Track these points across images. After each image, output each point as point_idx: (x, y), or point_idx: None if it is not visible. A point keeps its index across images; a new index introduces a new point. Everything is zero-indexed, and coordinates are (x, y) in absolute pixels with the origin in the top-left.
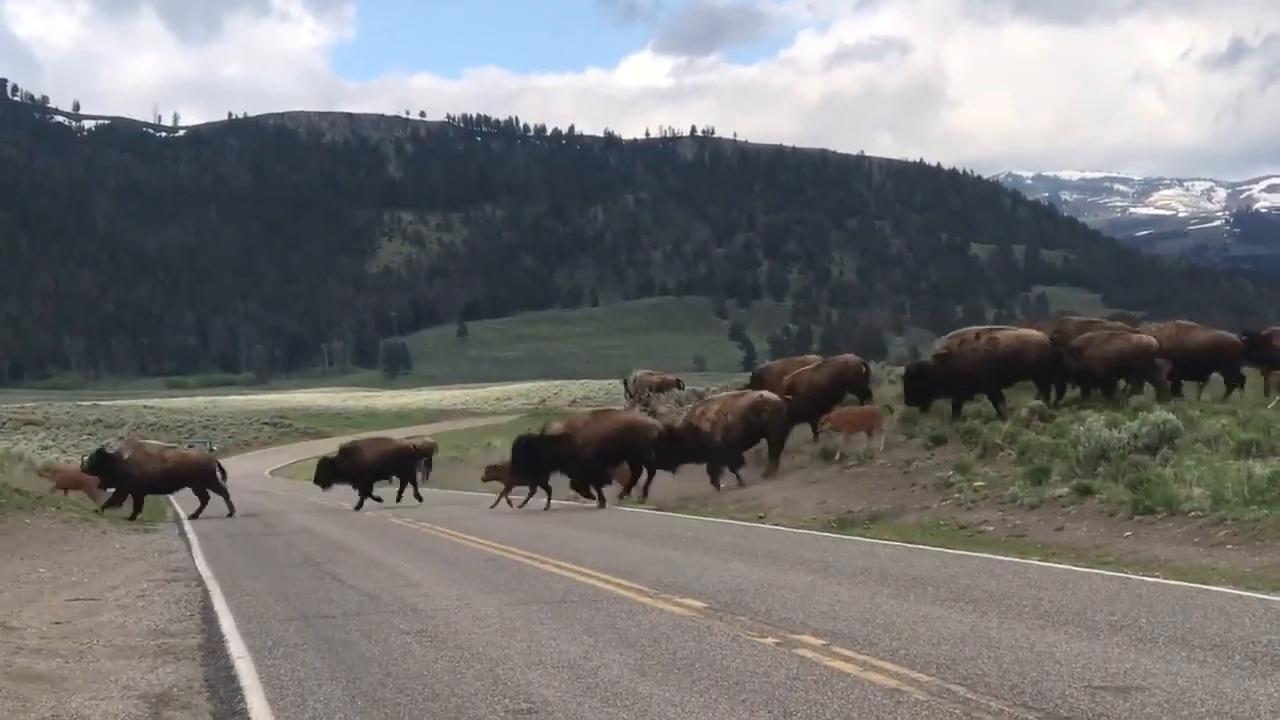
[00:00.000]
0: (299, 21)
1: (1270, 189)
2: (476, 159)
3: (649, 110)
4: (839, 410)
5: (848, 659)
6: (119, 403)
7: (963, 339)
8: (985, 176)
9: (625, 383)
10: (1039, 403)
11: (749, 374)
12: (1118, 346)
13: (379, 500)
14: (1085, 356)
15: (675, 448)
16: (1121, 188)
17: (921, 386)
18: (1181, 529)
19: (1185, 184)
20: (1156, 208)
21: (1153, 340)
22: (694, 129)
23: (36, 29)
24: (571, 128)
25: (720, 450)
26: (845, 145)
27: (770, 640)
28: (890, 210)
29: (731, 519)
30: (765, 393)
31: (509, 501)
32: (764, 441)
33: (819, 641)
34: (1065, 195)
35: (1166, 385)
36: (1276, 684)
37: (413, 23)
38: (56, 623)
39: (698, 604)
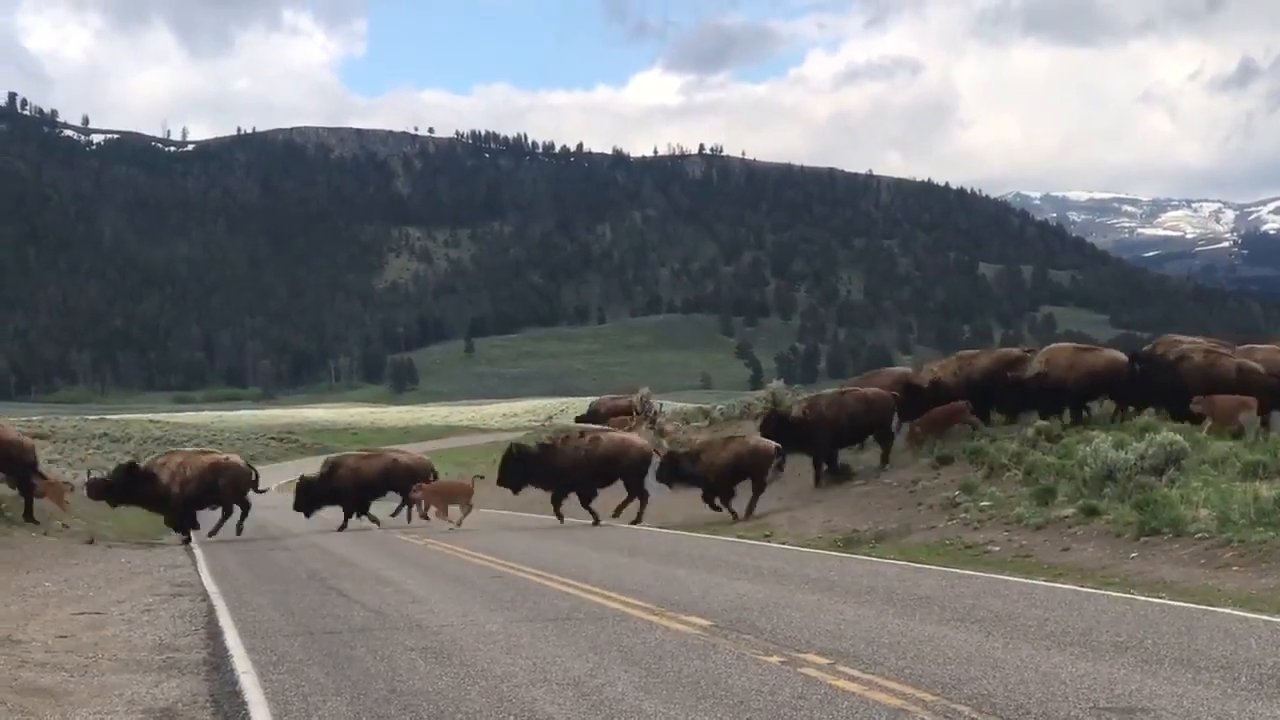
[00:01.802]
0: (310, 36)
1: (1278, 210)
2: (485, 175)
3: (657, 128)
4: (431, 485)
5: (853, 678)
6: (126, 417)
7: (568, 435)
8: (993, 196)
9: (636, 403)
10: (1045, 423)
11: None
12: (734, 450)
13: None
14: (701, 463)
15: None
16: (1130, 208)
17: (520, 470)
18: (1188, 550)
19: (1193, 205)
20: (1165, 229)
21: (768, 445)
22: (702, 147)
23: (47, 43)
24: (580, 145)
25: (177, 502)
26: (854, 164)
27: (775, 659)
28: (898, 229)
29: (738, 538)
30: (227, 458)
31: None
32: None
33: (824, 660)
34: (1073, 215)
35: (765, 483)
36: None
37: (423, 39)
38: (61, 636)
39: (703, 622)
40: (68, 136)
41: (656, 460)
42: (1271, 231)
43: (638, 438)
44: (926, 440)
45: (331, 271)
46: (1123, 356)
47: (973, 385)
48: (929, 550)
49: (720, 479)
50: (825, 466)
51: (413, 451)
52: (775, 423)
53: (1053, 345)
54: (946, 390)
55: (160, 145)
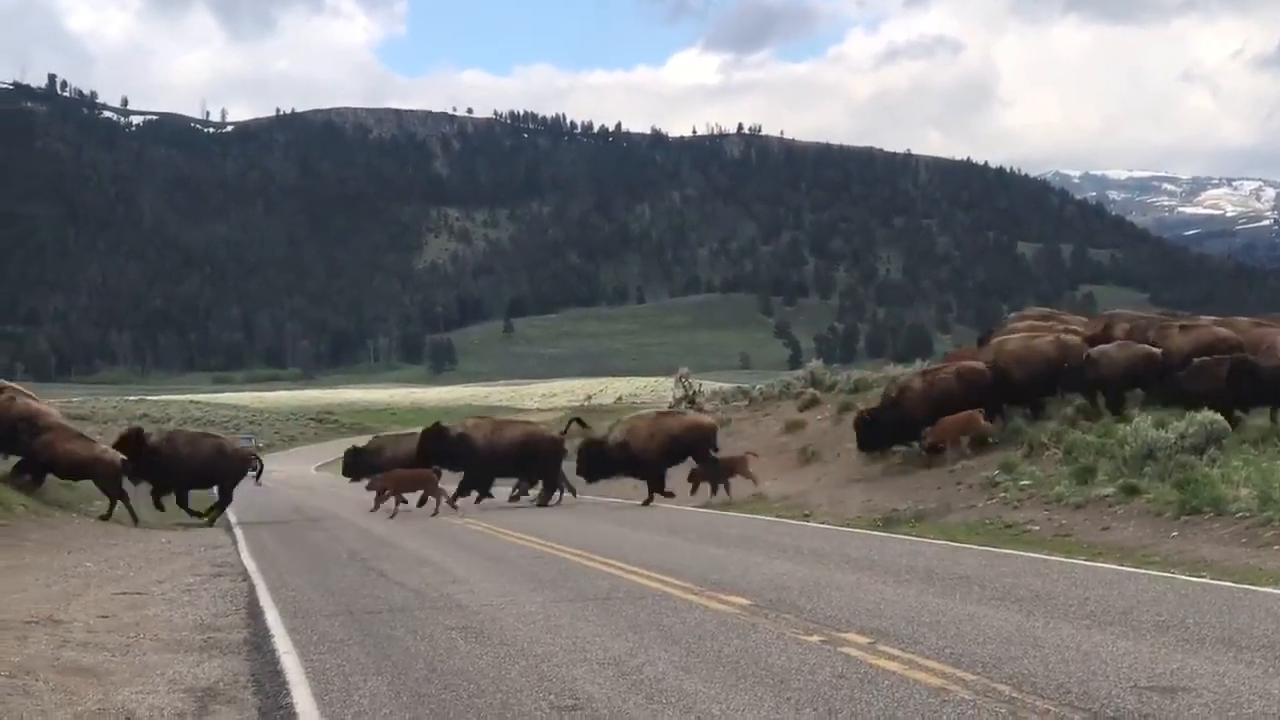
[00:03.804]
0: (350, 18)
1: None
2: (523, 156)
3: (696, 107)
4: None
5: (893, 657)
6: (166, 398)
7: None
8: (1033, 175)
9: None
10: (1084, 402)
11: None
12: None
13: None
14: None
15: None
16: (1170, 187)
17: None
18: (1228, 529)
19: (1234, 183)
20: (1205, 207)
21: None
22: (741, 126)
23: (87, 23)
24: (618, 125)
25: None
26: (893, 143)
27: (815, 638)
28: (937, 208)
29: (777, 517)
30: None
31: None
32: None
33: (864, 640)
34: (1113, 194)
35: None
36: None
37: (463, 19)
38: (103, 616)
39: (743, 601)
40: (107, 118)
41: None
42: None
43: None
44: (388, 496)
45: (370, 252)
46: (707, 419)
47: (499, 453)
48: (968, 529)
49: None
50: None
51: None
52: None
53: (634, 415)
54: (473, 448)
55: (199, 126)
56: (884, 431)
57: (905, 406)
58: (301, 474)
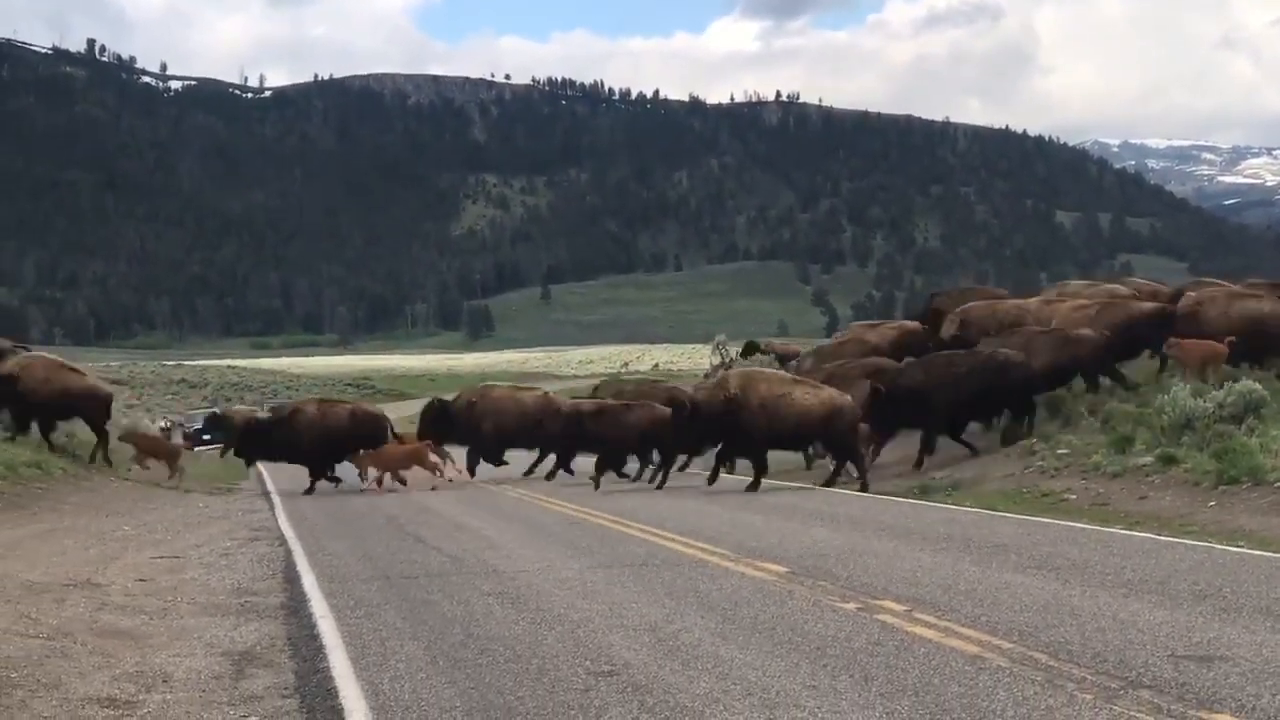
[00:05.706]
0: None
1: None
2: (561, 122)
3: (735, 75)
4: None
5: (929, 625)
6: (204, 363)
7: None
8: (1071, 143)
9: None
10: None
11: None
12: None
13: None
14: None
15: None
16: (1209, 156)
17: None
18: (1267, 499)
19: (1274, 152)
20: (1245, 176)
21: None
22: (779, 94)
23: None
24: (656, 92)
25: None
26: (932, 111)
27: (852, 605)
28: (975, 176)
29: (813, 486)
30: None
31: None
32: None
33: (900, 607)
34: (1152, 163)
35: None
36: None
37: None
38: (141, 580)
39: (779, 569)
40: (146, 83)
41: None
42: None
43: None
44: None
45: (408, 218)
46: (104, 389)
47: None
48: (1005, 498)
49: None
50: None
51: None
52: None
53: (31, 355)
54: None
55: (238, 92)
56: (260, 444)
57: (295, 425)
58: None
